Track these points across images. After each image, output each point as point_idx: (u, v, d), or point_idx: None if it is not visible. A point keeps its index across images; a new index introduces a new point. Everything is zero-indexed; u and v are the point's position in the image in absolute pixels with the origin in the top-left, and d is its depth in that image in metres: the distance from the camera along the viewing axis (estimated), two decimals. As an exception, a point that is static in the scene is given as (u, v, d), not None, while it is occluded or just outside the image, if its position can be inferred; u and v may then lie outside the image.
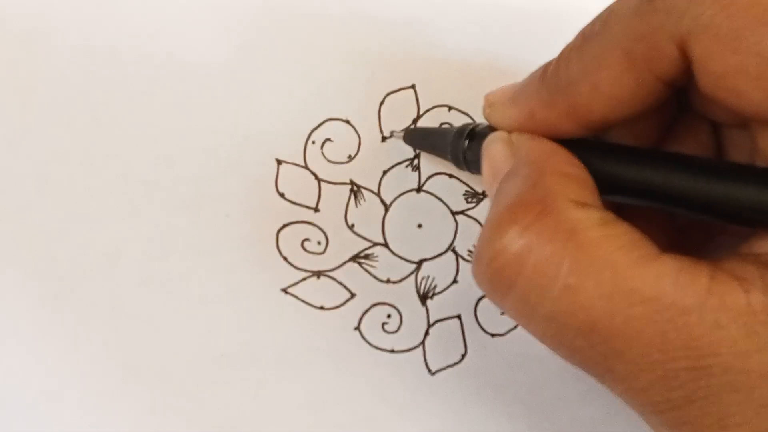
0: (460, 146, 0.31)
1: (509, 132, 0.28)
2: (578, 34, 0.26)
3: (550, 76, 0.26)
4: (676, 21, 0.23)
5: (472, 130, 0.31)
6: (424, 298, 0.35)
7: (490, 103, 0.29)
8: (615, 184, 0.25)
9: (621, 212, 0.25)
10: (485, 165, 0.28)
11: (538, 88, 0.27)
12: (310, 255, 0.35)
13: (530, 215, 0.23)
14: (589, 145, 0.26)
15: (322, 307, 0.35)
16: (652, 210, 0.27)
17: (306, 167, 0.35)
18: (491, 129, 0.29)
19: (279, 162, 0.35)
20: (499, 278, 0.23)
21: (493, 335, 0.35)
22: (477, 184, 0.36)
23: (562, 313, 0.22)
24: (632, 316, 0.21)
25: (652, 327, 0.21)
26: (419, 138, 0.35)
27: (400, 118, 0.36)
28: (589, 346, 0.22)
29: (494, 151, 0.28)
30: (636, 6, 0.24)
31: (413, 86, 0.36)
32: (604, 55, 0.24)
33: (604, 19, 0.25)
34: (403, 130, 0.36)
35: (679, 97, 0.29)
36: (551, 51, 0.37)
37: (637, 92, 0.24)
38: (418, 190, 0.36)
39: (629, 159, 0.25)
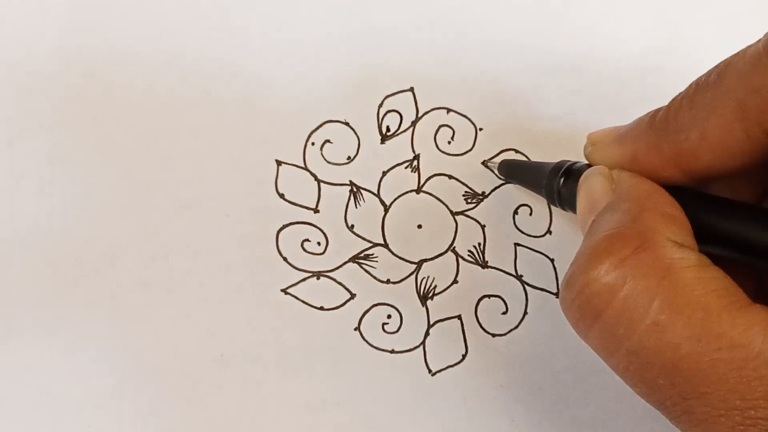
0: (555, 183, 0.31)
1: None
2: (691, 84, 0.26)
3: (659, 121, 0.26)
4: None
5: (569, 167, 0.31)
6: (424, 298, 0.35)
7: (592, 142, 0.30)
8: (711, 234, 0.25)
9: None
10: (582, 197, 0.28)
11: (646, 131, 0.27)
12: (310, 255, 0.35)
13: (628, 248, 0.23)
14: (688, 193, 0.26)
15: (321, 308, 0.35)
16: (740, 266, 0.27)
17: (306, 168, 0.35)
18: (589, 168, 0.29)
19: (279, 163, 0.35)
20: (588, 306, 0.24)
21: (493, 335, 0.35)
22: (476, 184, 0.36)
23: (648, 349, 0.22)
24: (718, 360, 0.22)
25: (737, 373, 0.21)
26: (513, 170, 0.35)
27: (398, 120, 0.36)
28: (671, 385, 0.22)
29: (594, 183, 0.28)
30: (754, 59, 0.24)
31: (411, 89, 0.36)
32: (717, 104, 0.24)
33: (720, 69, 0.25)
34: (497, 161, 0.36)
35: None
36: (551, 52, 0.37)
37: (745, 145, 0.24)
38: (418, 190, 0.36)
39: (728, 211, 0.25)
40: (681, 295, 0.22)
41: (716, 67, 0.25)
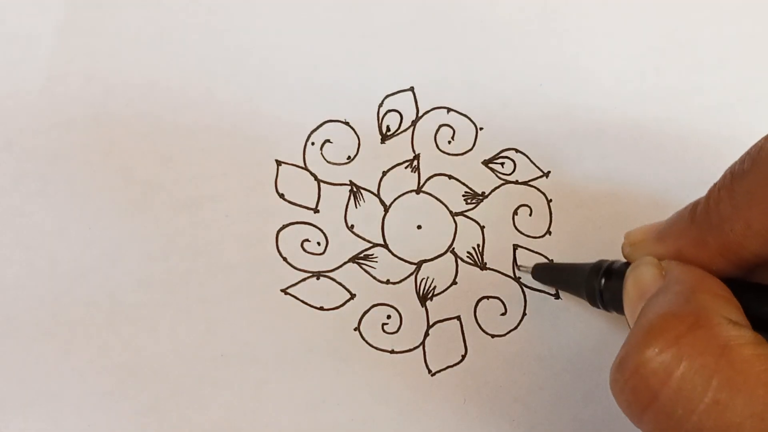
0: (597, 283, 0.30)
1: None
2: (726, 173, 0.26)
3: (699, 214, 0.26)
4: None
5: (609, 267, 0.30)
6: (423, 299, 0.35)
7: (632, 242, 0.30)
8: (763, 321, 0.25)
9: None
10: (630, 286, 0.28)
11: (688, 226, 0.27)
12: (310, 255, 0.35)
13: (683, 326, 0.23)
14: (735, 283, 0.26)
15: (321, 308, 0.35)
16: None
17: (305, 168, 0.35)
18: (628, 266, 0.29)
19: (279, 163, 0.35)
20: (643, 387, 0.23)
21: (492, 336, 0.35)
22: (477, 185, 0.36)
23: (708, 429, 0.22)
24: None
25: None
26: (548, 274, 0.35)
27: (398, 119, 0.36)
28: None
29: (643, 272, 0.27)
30: None
31: (412, 88, 0.36)
32: (756, 191, 0.24)
33: (753, 156, 0.25)
34: (529, 266, 0.35)
35: None
36: (551, 51, 0.37)
37: None
38: (418, 191, 0.36)
39: None
40: (740, 373, 0.21)
41: (748, 153, 0.25)
